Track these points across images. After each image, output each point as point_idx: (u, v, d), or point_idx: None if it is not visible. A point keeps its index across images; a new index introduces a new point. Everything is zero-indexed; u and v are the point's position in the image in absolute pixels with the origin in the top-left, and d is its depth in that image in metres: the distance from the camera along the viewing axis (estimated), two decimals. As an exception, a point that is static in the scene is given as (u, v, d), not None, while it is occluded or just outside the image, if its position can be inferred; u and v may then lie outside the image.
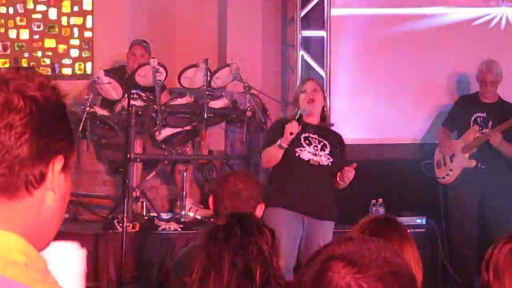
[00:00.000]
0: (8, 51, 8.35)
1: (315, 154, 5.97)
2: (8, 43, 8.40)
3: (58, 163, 1.39)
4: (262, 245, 2.79)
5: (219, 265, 2.72)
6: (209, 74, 7.10)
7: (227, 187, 3.80)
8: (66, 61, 8.42)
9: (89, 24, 8.38)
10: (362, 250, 1.42)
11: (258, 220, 2.92)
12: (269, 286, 2.75)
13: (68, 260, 2.07)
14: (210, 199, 3.85)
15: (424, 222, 7.46)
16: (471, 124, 7.52)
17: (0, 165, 1.34)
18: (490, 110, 7.50)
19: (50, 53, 8.40)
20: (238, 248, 2.75)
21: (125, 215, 6.15)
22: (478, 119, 7.53)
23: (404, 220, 7.21)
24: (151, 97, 6.99)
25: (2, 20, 8.38)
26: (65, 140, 1.40)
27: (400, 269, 1.42)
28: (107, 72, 7.16)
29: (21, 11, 8.36)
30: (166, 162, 7.32)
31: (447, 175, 7.56)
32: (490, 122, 7.46)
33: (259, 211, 3.80)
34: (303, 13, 8.42)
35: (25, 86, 1.36)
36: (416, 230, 7.16)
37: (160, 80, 6.91)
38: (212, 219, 5.97)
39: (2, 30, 8.38)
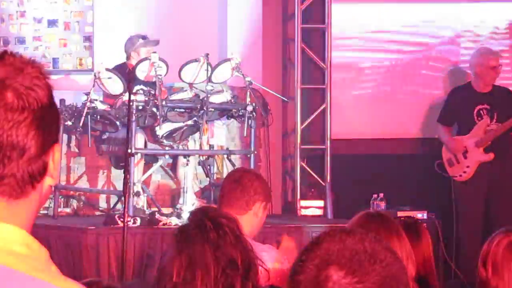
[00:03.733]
0: (9, 46, 8.34)
1: None
2: (9, 38, 8.40)
3: (57, 151, 1.40)
4: (236, 231, 2.79)
5: (203, 263, 2.71)
6: (209, 69, 7.10)
7: (231, 175, 3.77)
8: (67, 56, 8.42)
9: (89, 19, 8.38)
10: (359, 254, 1.41)
11: (219, 210, 2.93)
12: (252, 270, 2.75)
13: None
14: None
15: (425, 217, 7.45)
16: (475, 117, 7.45)
17: (9, 165, 1.34)
18: (491, 101, 7.43)
19: (50, 48, 8.39)
20: (217, 241, 2.74)
21: (126, 210, 6.15)
22: (481, 111, 7.46)
23: (405, 214, 7.20)
24: (152, 92, 6.99)
25: (3, 15, 8.37)
26: (58, 126, 1.41)
27: (396, 271, 1.42)
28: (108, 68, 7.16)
29: (21, 6, 8.36)
30: (167, 157, 7.32)
31: (464, 172, 7.43)
32: (496, 114, 7.41)
33: (257, 208, 3.76)
34: (304, 7, 8.41)
35: (17, 82, 1.35)
36: (417, 224, 7.15)
37: (160, 75, 6.91)
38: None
39: (3, 25, 8.38)
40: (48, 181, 1.40)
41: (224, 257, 2.72)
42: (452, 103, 7.65)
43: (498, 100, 7.43)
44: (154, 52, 7.07)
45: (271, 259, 3.55)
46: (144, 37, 7.53)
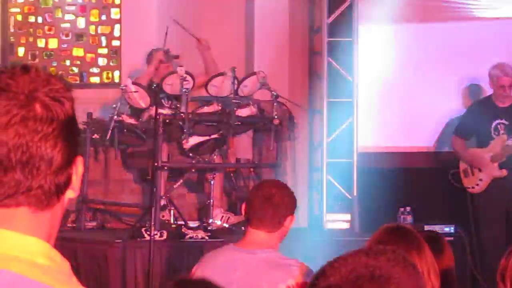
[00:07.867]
0: (37, 60, 8.40)
1: None
2: (37, 52, 8.46)
3: (80, 164, 1.42)
4: None
5: None
6: (236, 82, 7.10)
7: (260, 190, 3.71)
8: (94, 69, 8.46)
9: (116, 33, 8.42)
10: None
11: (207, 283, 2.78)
12: None
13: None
14: (243, 206, 3.76)
15: (452, 231, 7.39)
16: (492, 131, 7.40)
17: (38, 176, 1.36)
18: (509, 117, 7.38)
19: (78, 62, 8.44)
20: None
21: (152, 223, 6.15)
22: (499, 126, 7.40)
23: (432, 228, 7.15)
24: (178, 105, 7.00)
25: (31, 29, 8.43)
26: (80, 139, 1.44)
27: None
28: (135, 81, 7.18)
29: (49, 20, 8.42)
30: (193, 170, 7.32)
31: (477, 185, 7.44)
32: None
33: (288, 222, 3.70)
34: (330, 21, 8.40)
35: (44, 93, 1.37)
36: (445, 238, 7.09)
37: (187, 89, 6.92)
38: (242, 227, 5.94)
39: (31, 39, 8.44)
40: (69, 194, 1.41)
41: None
42: (471, 116, 7.57)
43: None
44: (181, 66, 7.08)
45: (300, 274, 3.52)
46: (165, 52, 7.50)
